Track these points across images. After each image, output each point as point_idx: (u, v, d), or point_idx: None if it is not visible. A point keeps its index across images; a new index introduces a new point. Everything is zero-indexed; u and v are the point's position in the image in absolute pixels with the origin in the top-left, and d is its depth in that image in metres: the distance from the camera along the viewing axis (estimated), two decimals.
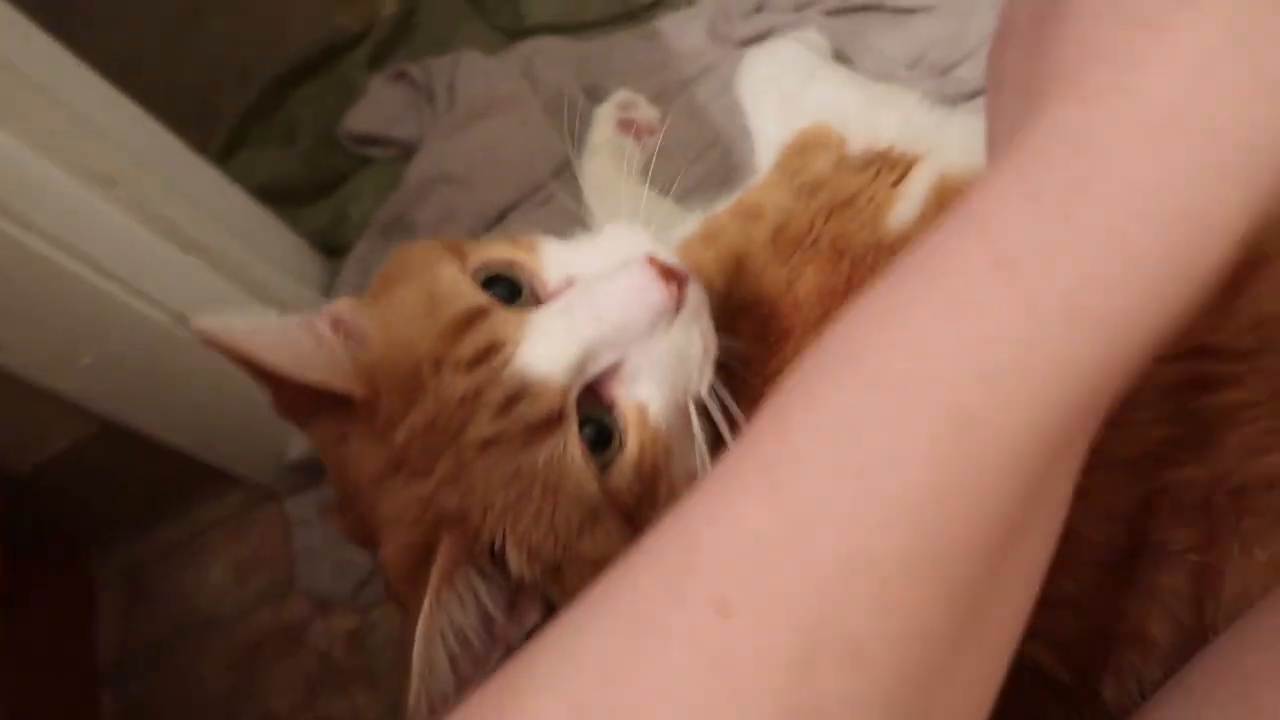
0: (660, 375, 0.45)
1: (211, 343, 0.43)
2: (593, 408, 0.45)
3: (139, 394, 0.76)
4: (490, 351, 0.44)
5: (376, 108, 1.01)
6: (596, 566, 0.42)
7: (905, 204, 0.56)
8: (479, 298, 0.45)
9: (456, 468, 0.43)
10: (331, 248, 0.99)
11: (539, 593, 0.44)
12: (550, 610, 0.44)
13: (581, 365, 0.44)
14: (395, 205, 0.94)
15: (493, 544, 0.43)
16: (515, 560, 0.43)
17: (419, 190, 0.93)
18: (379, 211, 0.96)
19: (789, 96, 0.69)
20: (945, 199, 0.55)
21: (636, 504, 0.45)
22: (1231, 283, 0.46)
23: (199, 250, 0.78)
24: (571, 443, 0.43)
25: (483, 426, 0.42)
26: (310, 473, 0.88)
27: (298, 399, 0.45)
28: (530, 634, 0.43)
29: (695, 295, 0.46)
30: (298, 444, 0.86)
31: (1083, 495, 0.45)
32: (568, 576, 0.43)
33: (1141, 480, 0.46)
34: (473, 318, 0.44)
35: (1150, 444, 0.46)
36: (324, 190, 1.02)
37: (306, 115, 1.06)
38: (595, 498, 0.43)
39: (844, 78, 0.72)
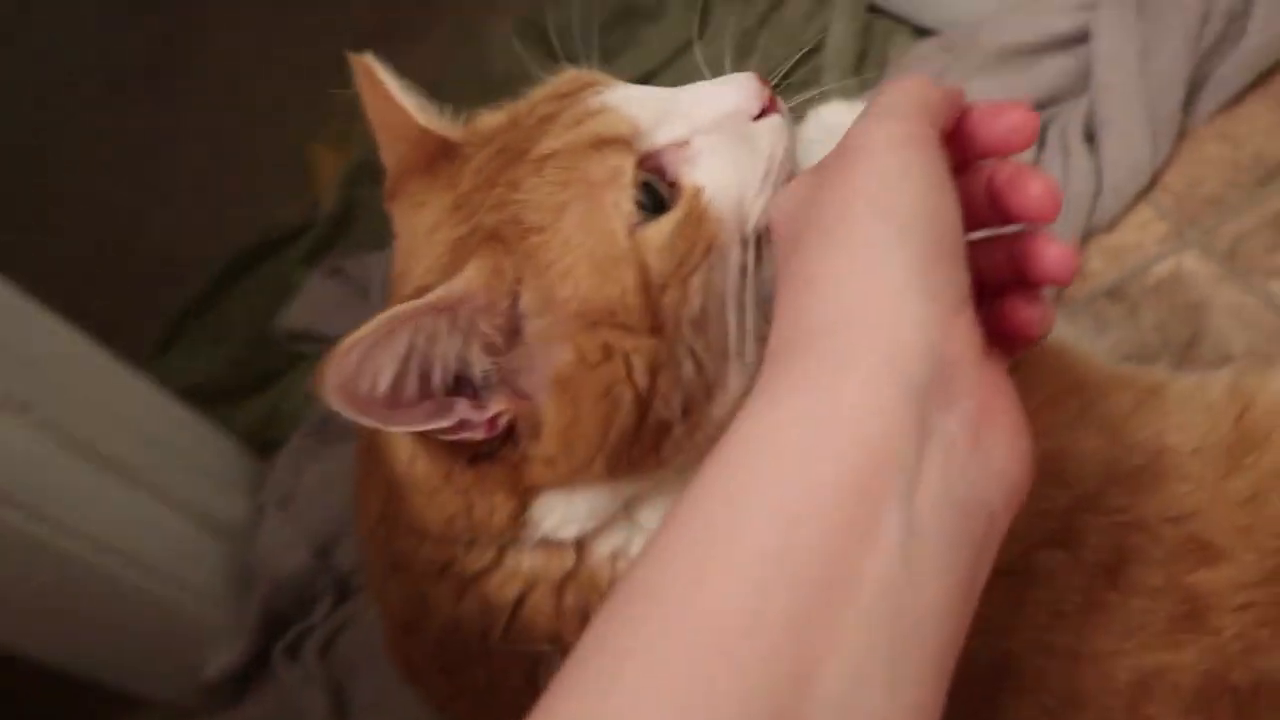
0: (718, 168, 0.45)
1: (369, 75, 0.49)
2: (654, 177, 0.45)
3: (41, 622, 0.73)
4: (582, 86, 0.47)
5: (311, 304, 1.01)
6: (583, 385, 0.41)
7: None
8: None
9: (508, 189, 0.43)
10: (264, 445, 0.98)
11: (517, 394, 0.43)
12: (510, 431, 0.43)
13: (656, 117, 0.45)
14: None
15: (512, 289, 0.42)
16: (529, 301, 0.41)
17: None
18: (311, 409, 0.95)
19: None
20: None
21: (663, 285, 0.43)
22: (1226, 458, 0.49)
23: (115, 466, 0.76)
24: (628, 164, 0.43)
25: (551, 140, 0.44)
26: (231, 692, 0.83)
27: (406, 159, 0.49)
28: (487, 435, 0.42)
29: (779, 123, 0.47)
30: (216, 661, 0.82)
31: (1093, 659, 0.45)
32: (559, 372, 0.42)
33: (1141, 654, 0.45)
34: (576, 76, 0.49)
35: (1147, 618, 0.46)
36: (257, 388, 1.01)
37: (241, 312, 1.07)
38: (625, 240, 0.42)
39: None
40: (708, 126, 0.45)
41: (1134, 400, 0.52)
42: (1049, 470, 0.48)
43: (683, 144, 0.45)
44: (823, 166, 0.36)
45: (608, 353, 0.41)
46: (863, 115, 0.35)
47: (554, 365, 0.42)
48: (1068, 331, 0.61)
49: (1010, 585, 0.45)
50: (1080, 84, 0.89)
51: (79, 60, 1.48)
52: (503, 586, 0.47)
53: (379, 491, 0.49)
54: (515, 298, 0.41)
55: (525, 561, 0.46)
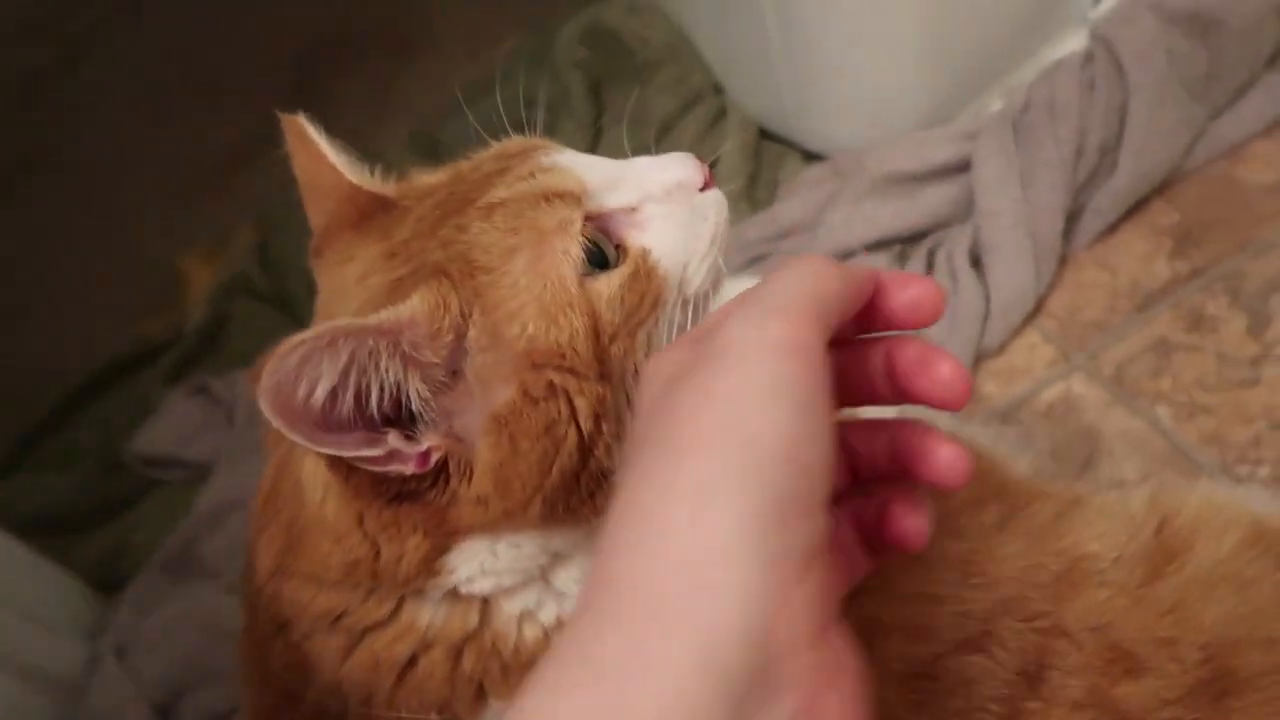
0: (668, 233, 0.46)
1: (300, 135, 0.50)
2: (601, 237, 0.45)
3: None
4: (530, 148, 0.47)
5: (170, 426, 0.94)
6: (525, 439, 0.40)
7: None
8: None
9: (455, 231, 0.43)
10: (110, 582, 0.88)
11: (451, 435, 0.41)
12: (440, 470, 0.41)
13: (606, 182, 0.46)
14: (183, 535, 0.86)
15: (461, 318, 0.41)
16: (475, 337, 0.41)
17: (210, 518, 0.85)
18: (164, 542, 0.86)
19: None
20: None
21: (612, 335, 0.43)
22: (1147, 565, 0.48)
23: None
24: (578, 216, 0.43)
25: (501, 190, 0.44)
26: None
27: (334, 216, 0.48)
28: (418, 469, 0.40)
29: (721, 197, 0.48)
30: None
31: None
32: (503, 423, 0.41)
33: None
34: (523, 140, 0.49)
35: None
36: (104, 517, 0.92)
37: (94, 433, 0.98)
38: (574, 288, 0.42)
39: None
40: (659, 195, 0.47)
41: (1055, 510, 0.52)
42: (969, 572, 0.48)
43: (631, 210, 0.46)
44: (697, 342, 0.32)
45: (552, 390, 0.41)
46: (745, 301, 0.31)
47: (493, 404, 0.41)
48: (984, 437, 0.60)
49: (926, 690, 0.44)
50: (964, 210, 0.90)
51: None
52: (395, 643, 0.44)
53: (277, 542, 0.46)
54: (459, 333, 0.41)
55: (425, 616, 0.44)
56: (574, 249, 0.43)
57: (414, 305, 0.40)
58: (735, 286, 0.80)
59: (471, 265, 0.42)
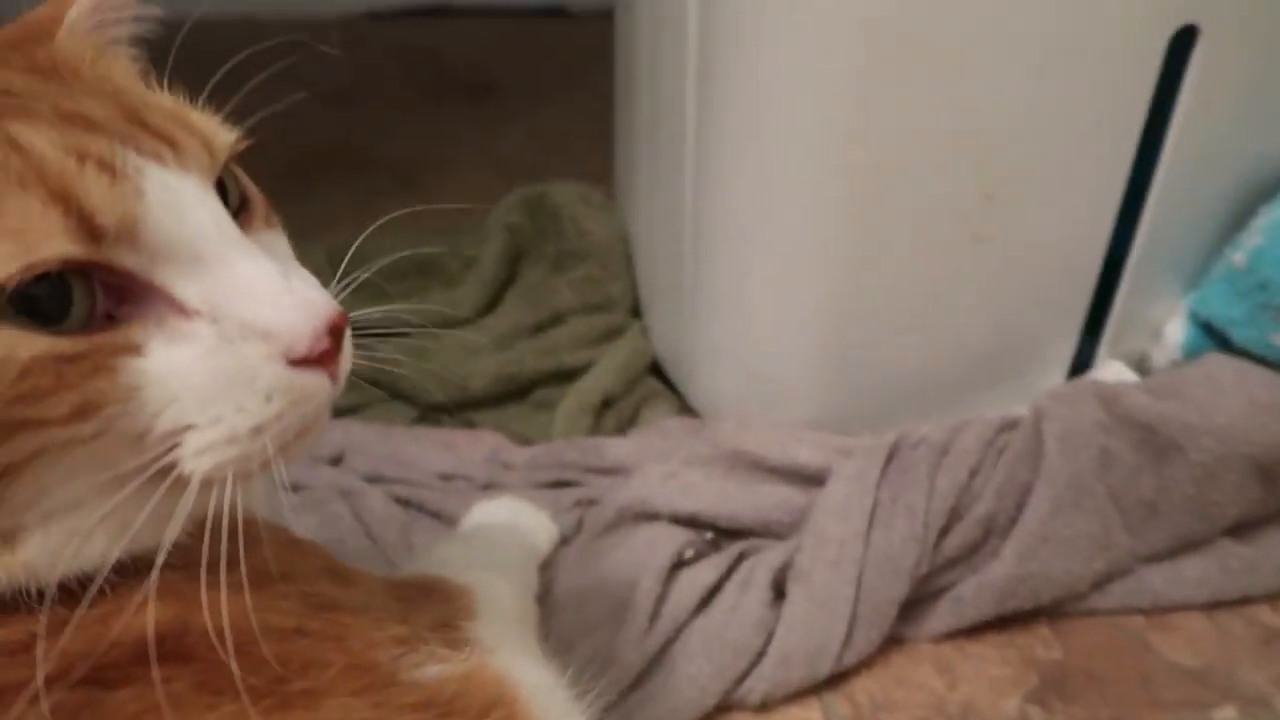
0: (196, 375, 0.34)
1: None
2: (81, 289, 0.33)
3: None
4: None
5: None
6: None
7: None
8: None
9: None
10: None
11: None
12: None
13: (181, 247, 0.33)
14: None
15: None
16: None
17: None
18: None
19: None
20: None
21: None
22: None
23: None
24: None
25: None
26: None
27: None
28: None
29: (323, 389, 0.35)
30: None
31: None
32: None
33: None
34: None
35: None
36: None
37: None
38: None
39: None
40: (227, 326, 0.34)
41: None
42: None
43: (181, 308, 0.34)
44: None
45: None
46: None
47: None
48: None
49: None
50: (794, 528, 0.72)
51: None
52: None
53: None
54: None
55: None
56: None
57: None
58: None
59: None
